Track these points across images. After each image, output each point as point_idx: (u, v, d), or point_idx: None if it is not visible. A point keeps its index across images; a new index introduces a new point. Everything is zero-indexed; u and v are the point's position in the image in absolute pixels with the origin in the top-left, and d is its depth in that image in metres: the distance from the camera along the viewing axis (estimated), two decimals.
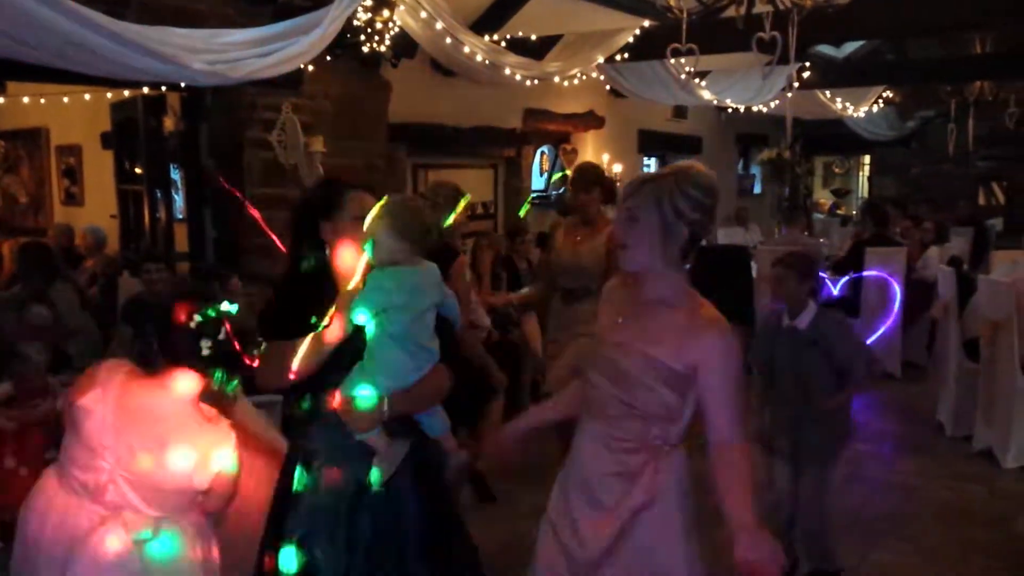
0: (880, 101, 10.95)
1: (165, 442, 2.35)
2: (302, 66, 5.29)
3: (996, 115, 10.61)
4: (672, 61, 6.07)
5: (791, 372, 3.65)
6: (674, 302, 2.18)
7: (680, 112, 11.31)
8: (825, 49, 10.39)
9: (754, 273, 8.03)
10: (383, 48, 5.96)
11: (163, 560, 2.33)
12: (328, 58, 5.68)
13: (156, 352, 2.47)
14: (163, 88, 5.52)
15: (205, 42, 4.42)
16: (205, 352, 2.39)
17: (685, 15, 5.40)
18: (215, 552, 2.53)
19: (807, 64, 8.46)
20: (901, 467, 5.47)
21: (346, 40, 5.67)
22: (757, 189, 13.92)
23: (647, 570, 2.15)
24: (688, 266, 2.16)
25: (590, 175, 4.61)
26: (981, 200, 13.48)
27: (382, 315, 2.31)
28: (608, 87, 8.67)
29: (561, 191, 9.55)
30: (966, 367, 5.99)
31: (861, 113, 10.90)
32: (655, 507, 2.15)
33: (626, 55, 7.01)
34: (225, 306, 2.43)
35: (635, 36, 6.83)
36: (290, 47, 4.78)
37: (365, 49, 5.91)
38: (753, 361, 3.83)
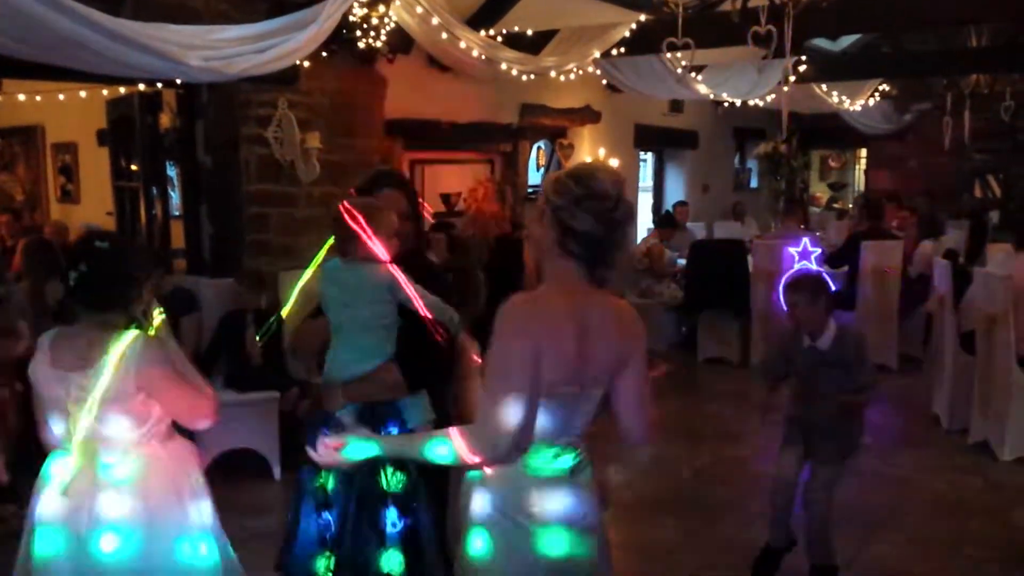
0: (876, 94, 10.95)
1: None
2: (298, 62, 5.29)
3: (992, 108, 10.63)
4: (668, 55, 6.06)
5: (811, 388, 3.68)
6: None
7: (676, 106, 11.31)
8: (821, 42, 10.39)
9: (750, 267, 8.05)
10: (379, 43, 5.95)
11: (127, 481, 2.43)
12: (324, 54, 5.68)
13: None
14: (159, 85, 5.52)
15: (201, 38, 4.43)
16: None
17: (681, 9, 5.40)
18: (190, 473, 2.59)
19: (803, 58, 8.45)
20: (897, 460, 5.49)
21: (342, 36, 5.67)
22: (754, 183, 13.93)
23: None
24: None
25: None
26: (977, 193, 13.50)
27: (327, 309, 2.71)
28: (604, 82, 8.68)
29: None
30: (962, 360, 6.01)
31: (857, 106, 10.91)
32: None
33: (622, 49, 7.01)
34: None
35: (631, 30, 6.83)
36: (286, 43, 4.78)
37: (361, 45, 5.92)
38: (768, 376, 3.92)
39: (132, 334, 2.39)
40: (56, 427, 2.44)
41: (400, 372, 2.69)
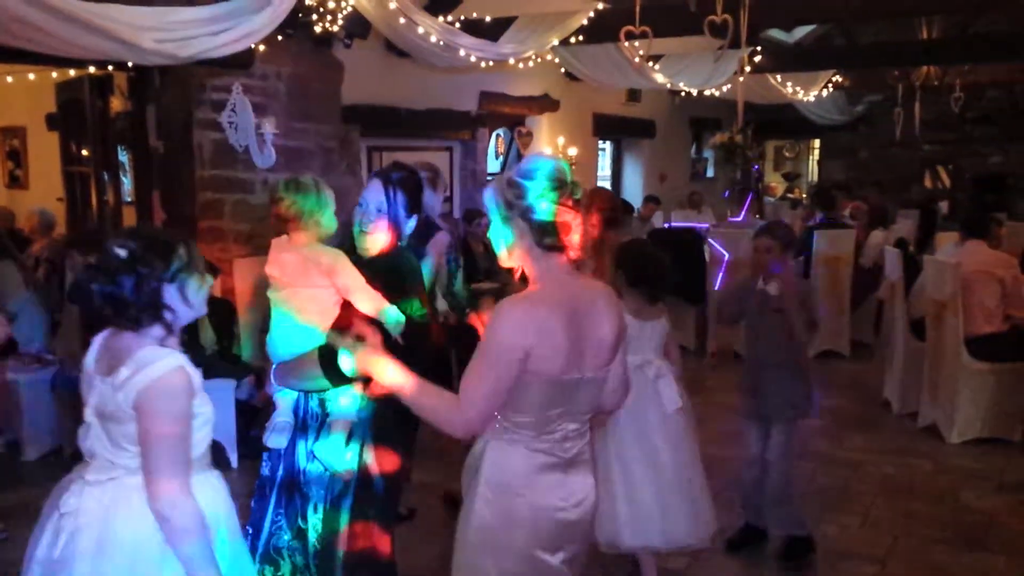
0: (829, 86, 11.11)
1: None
2: (253, 46, 5.21)
3: (942, 100, 10.85)
4: (626, 44, 6.08)
5: (759, 328, 3.83)
6: None
7: (634, 96, 11.36)
8: (776, 34, 10.52)
9: (707, 256, 8.13)
10: (336, 28, 5.90)
11: None
12: (280, 38, 5.61)
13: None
14: (110, 68, 5.40)
15: (154, 20, 4.35)
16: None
17: None
18: None
19: (758, 48, 8.55)
20: (849, 443, 5.60)
21: (298, 20, 5.61)
22: (710, 173, 14.06)
23: None
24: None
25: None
26: (927, 183, 13.77)
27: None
28: (563, 70, 8.68)
29: None
30: (912, 346, 6.14)
31: (811, 97, 11.06)
32: None
33: (580, 38, 7.02)
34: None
35: (589, 19, 6.84)
36: (241, 25, 4.71)
37: (317, 29, 5.85)
38: (721, 314, 4.13)
39: (165, 362, 2.06)
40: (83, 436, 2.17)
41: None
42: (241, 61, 5.62)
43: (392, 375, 2.12)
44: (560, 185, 2.08)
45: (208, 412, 2.16)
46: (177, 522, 2.00)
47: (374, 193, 2.73)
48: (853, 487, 4.86)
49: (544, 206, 2.07)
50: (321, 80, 6.70)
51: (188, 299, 2.14)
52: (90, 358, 2.16)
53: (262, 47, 5.51)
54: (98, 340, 2.18)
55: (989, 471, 5.04)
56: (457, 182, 9.00)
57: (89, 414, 2.12)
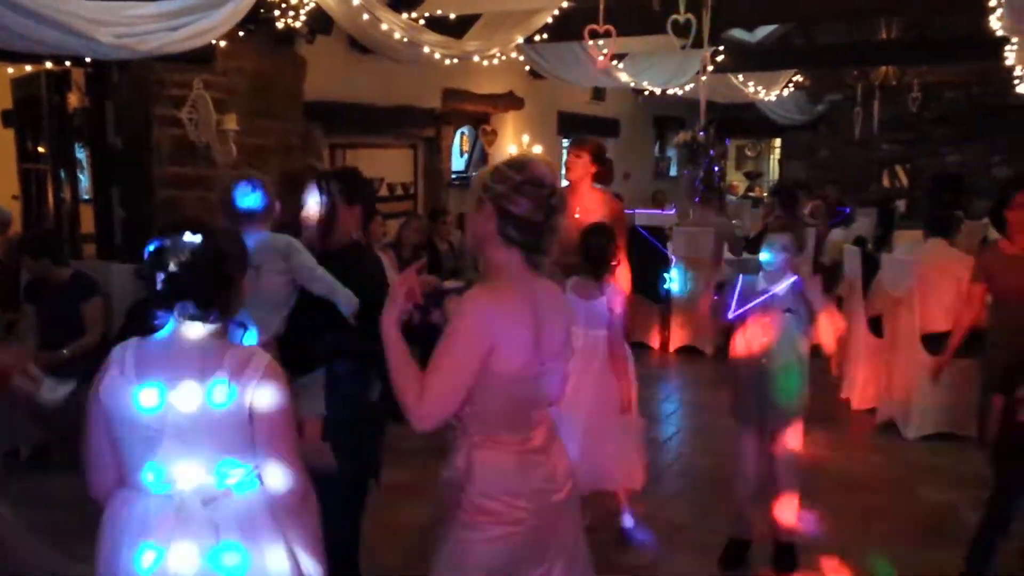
0: (790, 85, 11.24)
1: None
2: (213, 41, 5.15)
3: (900, 100, 11.03)
4: (590, 42, 6.10)
5: (764, 335, 3.75)
6: None
7: (598, 94, 11.41)
8: (738, 34, 10.60)
9: (670, 253, 8.19)
10: (298, 24, 5.85)
11: None
12: (241, 33, 5.54)
13: None
14: (67, 63, 5.31)
15: (112, 14, 4.26)
16: None
17: None
18: None
19: (720, 48, 8.62)
20: (808, 439, 5.64)
21: (259, 15, 5.54)
22: (673, 171, 14.16)
23: None
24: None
25: (585, 141, 4.74)
26: (885, 182, 13.99)
27: None
28: (527, 68, 8.69)
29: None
30: (870, 343, 6.23)
31: (772, 97, 11.18)
32: None
33: (545, 36, 7.03)
34: None
35: (554, 17, 6.85)
36: (201, 21, 4.64)
37: (279, 25, 5.80)
38: (714, 317, 4.19)
39: (253, 351, 2.03)
40: (141, 467, 1.99)
41: (281, 354, 2.73)
42: (201, 57, 5.56)
43: (392, 329, 2.11)
44: (538, 185, 2.10)
45: None
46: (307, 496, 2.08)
47: (311, 192, 2.96)
48: (812, 482, 4.90)
49: (517, 200, 2.08)
50: (283, 76, 6.64)
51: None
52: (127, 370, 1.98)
53: (223, 43, 5.44)
54: (129, 353, 2.01)
55: (946, 466, 5.14)
56: (421, 180, 8.96)
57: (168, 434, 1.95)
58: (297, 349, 2.86)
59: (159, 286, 1.98)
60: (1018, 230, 4.12)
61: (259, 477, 2.03)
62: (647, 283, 8.10)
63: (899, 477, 5.03)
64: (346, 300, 2.80)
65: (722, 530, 4.00)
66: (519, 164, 2.14)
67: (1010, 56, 7.25)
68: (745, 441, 3.90)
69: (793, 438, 3.86)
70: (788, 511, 3.88)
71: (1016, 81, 8.38)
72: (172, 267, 1.97)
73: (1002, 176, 12.71)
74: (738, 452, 3.93)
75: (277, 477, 2.02)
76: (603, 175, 4.72)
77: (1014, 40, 6.65)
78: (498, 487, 2.13)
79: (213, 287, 2.00)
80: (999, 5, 5.33)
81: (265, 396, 1.98)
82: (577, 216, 4.42)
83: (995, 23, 5.58)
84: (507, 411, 2.13)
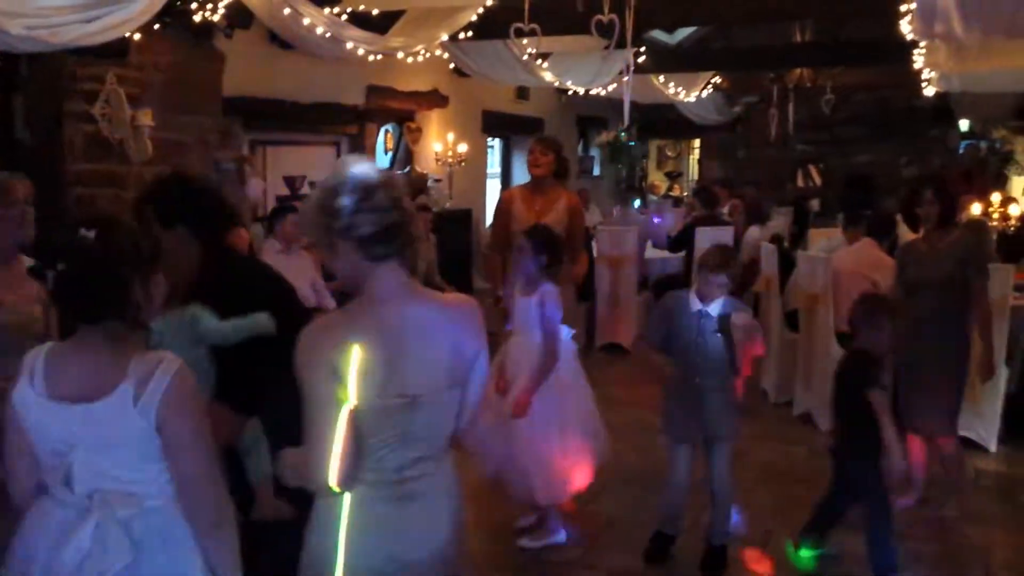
0: (709, 87, 11.47)
1: None
2: (128, 34, 4.99)
3: (813, 102, 11.37)
4: (515, 41, 6.13)
5: (698, 352, 3.75)
6: None
7: (523, 93, 11.44)
8: (659, 35, 10.77)
9: (595, 253, 8.26)
10: (216, 17, 5.70)
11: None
12: (157, 27, 5.38)
13: None
14: None
15: (22, 4, 4.09)
16: None
17: None
18: None
19: (642, 49, 8.74)
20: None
21: (176, 8, 5.39)
22: (596, 171, 14.29)
23: None
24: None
25: (552, 141, 5.04)
26: (800, 182, 14.40)
27: None
28: (452, 66, 8.66)
29: (406, 170, 9.48)
30: (787, 337, 6.41)
31: (691, 98, 11.38)
32: None
33: (469, 33, 7.02)
34: None
35: (478, 15, 6.84)
36: (116, 13, 4.48)
37: (197, 18, 5.64)
38: (648, 340, 4.05)
39: (161, 358, 1.90)
40: (49, 475, 1.93)
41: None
42: (115, 50, 5.38)
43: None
44: (371, 191, 1.91)
45: None
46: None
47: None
48: (734, 474, 5.02)
49: (362, 219, 1.90)
50: (200, 71, 6.48)
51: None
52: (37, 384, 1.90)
53: (137, 36, 5.28)
54: (39, 360, 1.92)
55: None
56: None
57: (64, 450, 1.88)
58: (241, 391, 2.55)
59: (49, 285, 1.89)
60: (927, 223, 4.30)
61: (172, 489, 1.93)
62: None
63: (818, 467, 5.15)
64: (265, 325, 2.49)
65: (651, 524, 4.06)
66: (335, 188, 1.91)
67: (918, 60, 7.53)
68: (676, 456, 3.94)
69: (727, 454, 3.90)
70: (723, 518, 3.95)
71: (924, 84, 8.71)
72: (60, 265, 1.87)
73: (911, 176, 13.26)
74: (670, 465, 3.97)
75: (188, 489, 1.92)
76: (563, 172, 5.00)
77: (922, 44, 6.91)
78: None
79: (103, 288, 1.87)
80: (909, 10, 5.53)
81: (172, 405, 1.86)
82: (537, 210, 4.55)
83: (905, 27, 5.78)
84: (359, 438, 1.91)
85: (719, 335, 3.70)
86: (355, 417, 1.88)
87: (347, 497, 1.93)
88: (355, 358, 1.85)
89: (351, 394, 1.86)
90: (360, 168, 1.94)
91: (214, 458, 1.96)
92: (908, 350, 4.26)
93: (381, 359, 1.89)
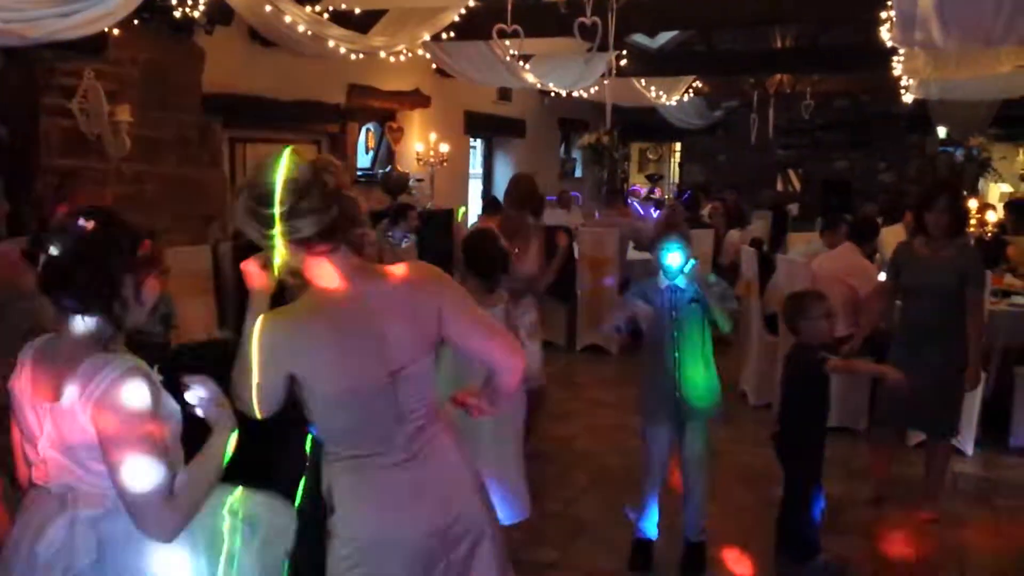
0: (690, 91, 11.51)
1: None
2: (106, 29, 4.94)
3: (793, 107, 11.45)
4: (497, 42, 6.12)
5: (674, 328, 3.73)
6: None
7: (505, 95, 11.44)
8: (641, 39, 10.80)
9: (576, 254, 8.26)
10: (196, 13, 5.65)
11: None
12: (136, 22, 5.34)
13: None
14: None
15: None
16: None
17: None
18: None
19: (624, 52, 8.76)
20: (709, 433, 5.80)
21: (156, 3, 5.35)
22: (578, 172, 14.32)
23: None
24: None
25: (524, 192, 5.24)
26: (779, 186, 14.50)
27: None
28: (434, 66, 8.64)
29: (387, 169, 9.45)
30: (766, 340, 6.43)
31: (673, 102, 11.43)
32: None
33: (452, 34, 7.00)
34: None
35: (461, 15, 6.82)
36: (95, 7, 4.43)
37: (177, 14, 5.59)
38: (614, 324, 4.02)
39: (110, 359, 1.82)
40: (36, 468, 1.92)
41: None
42: (93, 45, 5.33)
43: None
44: (301, 186, 1.86)
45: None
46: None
47: None
48: (713, 476, 5.03)
49: (299, 223, 1.87)
50: (180, 67, 6.43)
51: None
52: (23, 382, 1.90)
53: (116, 31, 5.23)
54: (31, 351, 1.93)
55: (839, 458, 5.31)
56: None
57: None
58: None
59: (39, 269, 1.85)
60: (935, 231, 4.31)
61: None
62: (555, 282, 8.16)
63: None
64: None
65: (629, 526, 4.05)
66: (261, 198, 1.86)
67: (897, 67, 7.58)
68: (652, 439, 3.90)
69: (702, 436, 3.88)
70: (699, 509, 3.94)
71: (902, 91, 8.79)
72: (53, 250, 1.83)
73: (888, 181, 13.38)
74: (646, 450, 3.94)
75: (124, 501, 1.82)
76: (536, 209, 5.32)
77: (901, 51, 6.96)
78: (349, 507, 2.01)
79: (91, 280, 1.83)
80: (888, 18, 5.57)
81: (108, 409, 1.78)
82: (517, 252, 4.64)
83: (884, 35, 5.82)
84: (331, 428, 2.00)
85: (693, 304, 3.69)
86: (321, 407, 1.96)
87: (367, 477, 2.00)
88: (315, 355, 1.92)
89: (314, 387, 1.93)
90: (287, 168, 1.85)
91: (161, 473, 1.81)
92: (908, 354, 4.29)
93: (343, 351, 1.93)
